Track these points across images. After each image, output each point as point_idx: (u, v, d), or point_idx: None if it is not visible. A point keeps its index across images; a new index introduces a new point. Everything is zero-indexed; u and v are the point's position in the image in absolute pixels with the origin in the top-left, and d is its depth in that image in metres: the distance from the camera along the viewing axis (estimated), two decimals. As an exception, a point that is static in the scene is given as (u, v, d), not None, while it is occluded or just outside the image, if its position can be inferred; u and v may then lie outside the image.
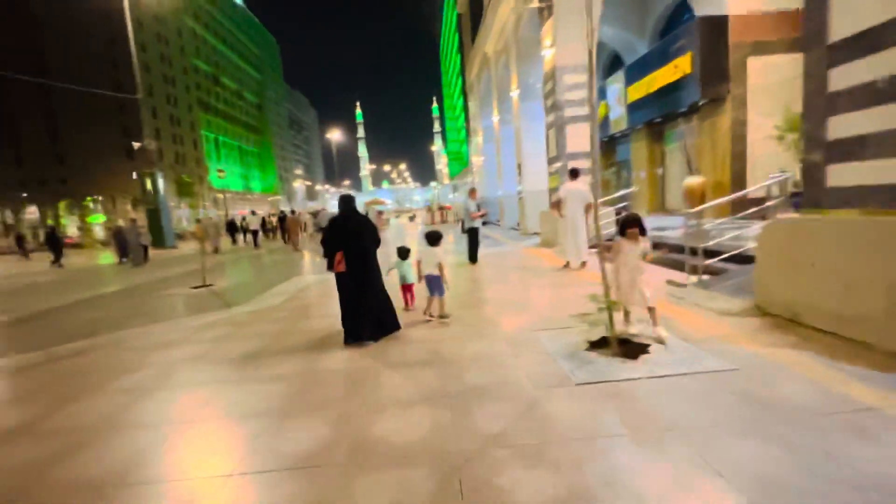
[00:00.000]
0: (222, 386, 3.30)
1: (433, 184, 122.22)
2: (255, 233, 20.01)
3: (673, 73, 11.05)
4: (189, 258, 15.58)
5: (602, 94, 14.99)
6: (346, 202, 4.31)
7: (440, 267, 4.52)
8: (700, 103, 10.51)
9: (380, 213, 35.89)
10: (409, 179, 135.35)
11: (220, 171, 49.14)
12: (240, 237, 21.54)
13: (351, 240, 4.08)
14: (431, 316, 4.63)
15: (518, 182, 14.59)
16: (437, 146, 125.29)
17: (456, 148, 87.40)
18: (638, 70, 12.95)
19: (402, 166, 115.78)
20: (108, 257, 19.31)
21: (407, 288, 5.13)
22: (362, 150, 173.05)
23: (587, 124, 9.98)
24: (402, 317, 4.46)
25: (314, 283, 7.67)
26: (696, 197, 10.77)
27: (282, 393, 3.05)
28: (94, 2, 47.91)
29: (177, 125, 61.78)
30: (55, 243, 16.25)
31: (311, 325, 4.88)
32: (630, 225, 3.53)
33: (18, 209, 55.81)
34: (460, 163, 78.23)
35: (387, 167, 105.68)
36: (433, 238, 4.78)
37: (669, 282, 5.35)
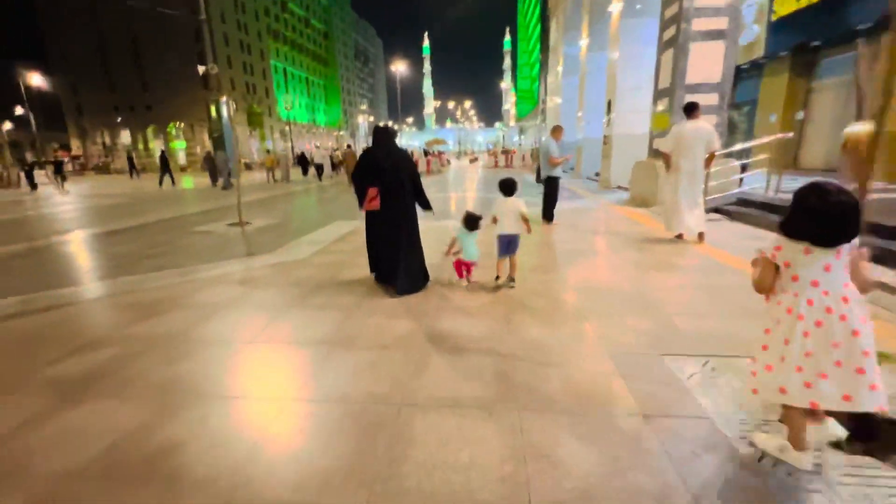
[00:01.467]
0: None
1: (498, 125, 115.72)
2: (319, 166, 20.35)
3: (860, -30, 7.82)
4: (259, 186, 17.15)
5: (732, 9, 11.55)
6: (381, 133, 3.73)
7: (523, 219, 3.64)
8: (899, 15, 7.37)
9: (440, 152, 34.03)
10: (475, 119, 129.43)
11: (287, 102, 49.11)
12: (311, 169, 21.85)
13: (385, 177, 3.53)
14: (499, 279, 3.80)
15: (606, 123, 12.11)
16: (506, 84, 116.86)
17: (527, 86, 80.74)
18: (796, -28, 9.55)
19: (468, 104, 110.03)
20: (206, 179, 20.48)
21: (465, 264, 3.81)
22: (427, 87, 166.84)
23: (721, 43, 7.40)
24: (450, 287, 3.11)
25: (357, 229, 6.51)
26: (861, 152, 7.98)
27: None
28: (167, -83, 46.94)
29: (247, 53, 61.96)
30: (165, 165, 18.94)
31: (336, 290, 3.70)
32: (843, 225, 1.43)
33: (115, 133, 60.59)
34: (530, 102, 72.39)
35: (451, 104, 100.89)
36: (510, 187, 3.74)
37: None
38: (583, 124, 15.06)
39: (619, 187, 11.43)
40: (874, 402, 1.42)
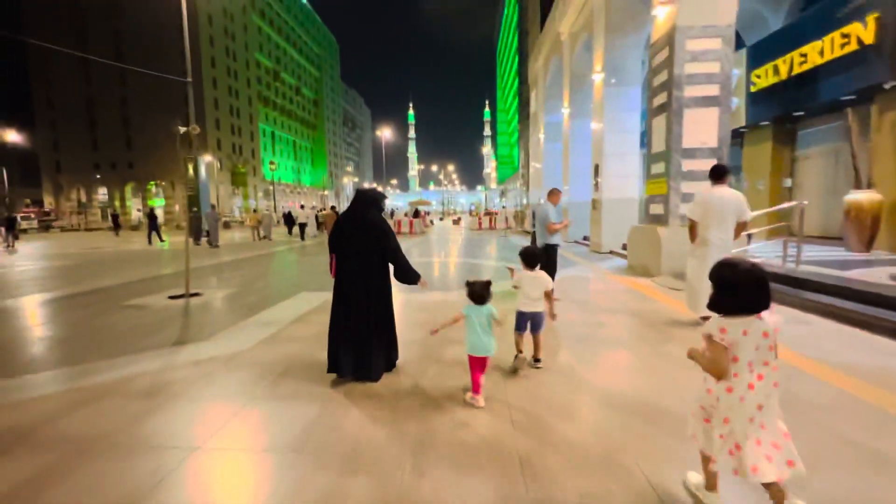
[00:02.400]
0: None
1: (480, 187, 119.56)
2: (302, 226, 20.22)
3: (839, 45, 7.95)
4: (237, 246, 16.91)
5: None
6: (356, 197, 3.32)
7: (547, 296, 3.25)
8: (887, 86, 7.36)
9: (424, 213, 33.97)
10: (457, 182, 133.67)
11: (271, 163, 49.52)
12: (295, 228, 21.74)
13: (350, 243, 3.18)
14: (520, 356, 3.29)
15: (594, 187, 11.82)
16: (486, 149, 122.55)
17: (506, 152, 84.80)
18: (771, 48, 9.84)
19: (451, 168, 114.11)
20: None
21: (478, 363, 2.74)
22: (412, 151, 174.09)
23: (714, 109, 7.17)
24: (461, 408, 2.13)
25: (324, 304, 5.49)
26: (865, 220, 7.61)
27: None
28: (168, -6, 49.99)
29: (236, 116, 63.53)
30: (153, 222, 19.13)
31: (276, 409, 2.62)
32: (758, 290, 1.59)
33: (92, 189, 59.42)
34: (510, 167, 75.54)
35: (434, 168, 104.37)
36: (533, 257, 3.32)
37: None
38: (567, 187, 14.89)
39: (613, 252, 10.85)
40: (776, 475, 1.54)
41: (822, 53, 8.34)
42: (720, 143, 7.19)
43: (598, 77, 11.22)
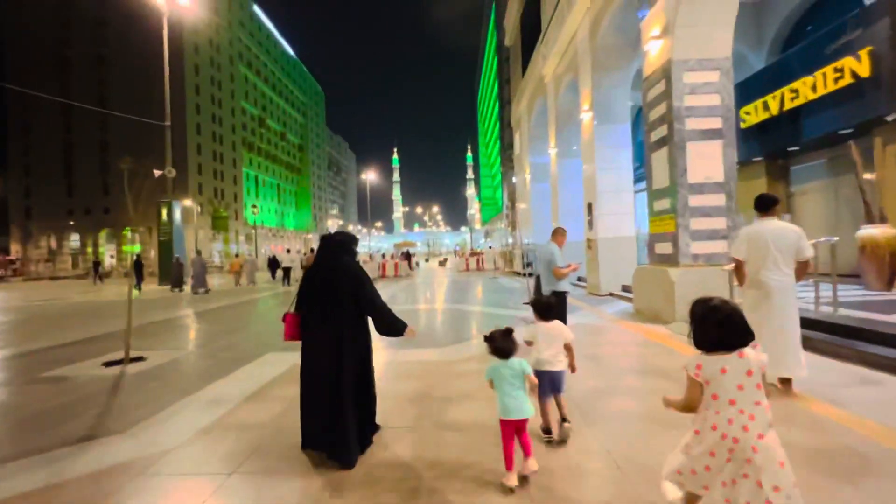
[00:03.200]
0: None
1: (464, 228, 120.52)
2: (286, 270, 19.53)
3: (832, 80, 7.83)
4: (216, 292, 16.01)
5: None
6: (321, 243, 2.88)
7: (568, 349, 2.78)
8: (889, 119, 7.14)
9: (409, 255, 33.20)
10: (442, 223, 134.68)
11: (254, 206, 48.79)
12: (279, 273, 21.12)
13: (318, 297, 2.69)
14: (548, 433, 2.79)
15: (587, 226, 11.31)
16: (470, 191, 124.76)
17: (489, 193, 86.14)
18: (758, 85, 9.81)
19: (435, 209, 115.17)
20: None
21: (514, 427, 2.29)
22: (396, 194, 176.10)
23: (718, 142, 6.78)
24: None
25: (291, 370, 4.53)
26: (883, 255, 7.12)
27: None
28: (153, 45, 50.85)
29: (219, 161, 63.30)
30: (139, 270, 19.30)
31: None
32: (730, 326, 1.60)
33: (64, 236, 57.26)
34: (494, 208, 76.39)
35: (419, 209, 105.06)
36: (548, 308, 2.85)
37: None
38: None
39: (613, 295, 10.16)
40: None
41: (814, 88, 8.22)
42: (727, 178, 6.75)
43: (586, 116, 11.02)
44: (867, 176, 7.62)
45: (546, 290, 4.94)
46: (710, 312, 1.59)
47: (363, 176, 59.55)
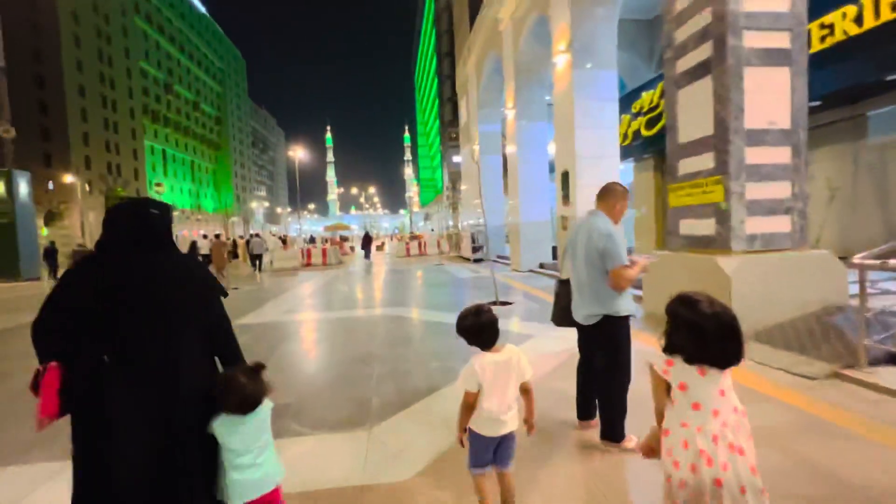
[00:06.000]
0: None
1: (402, 211, 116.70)
2: (205, 257, 15.31)
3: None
4: None
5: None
6: (116, 216, 1.47)
7: (525, 394, 1.78)
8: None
9: (343, 239, 29.64)
10: (379, 206, 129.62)
11: (158, 185, 41.75)
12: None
13: (129, 324, 1.38)
14: None
15: (562, 201, 9.04)
16: (408, 172, 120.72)
17: (428, 175, 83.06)
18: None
19: (372, 191, 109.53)
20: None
21: None
22: (331, 175, 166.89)
23: (784, 70, 4.61)
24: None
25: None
26: None
27: None
28: (12, -20, 40.67)
29: (113, 131, 53.72)
30: (53, 258, 15.49)
31: None
32: (723, 340, 1.26)
33: None
34: (433, 190, 73.65)
35: (355, 191, 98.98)
36: (487, 330, 1.75)
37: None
38: (518, 203, 12.11)
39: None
40: None
41: None
42: (794, 123, 4.63)
43: (561, 59, 8.59)
44: None
45: (586, 312, 2.37)
46: (713, 319, 1.23)
47: (291, 153, 53.60)
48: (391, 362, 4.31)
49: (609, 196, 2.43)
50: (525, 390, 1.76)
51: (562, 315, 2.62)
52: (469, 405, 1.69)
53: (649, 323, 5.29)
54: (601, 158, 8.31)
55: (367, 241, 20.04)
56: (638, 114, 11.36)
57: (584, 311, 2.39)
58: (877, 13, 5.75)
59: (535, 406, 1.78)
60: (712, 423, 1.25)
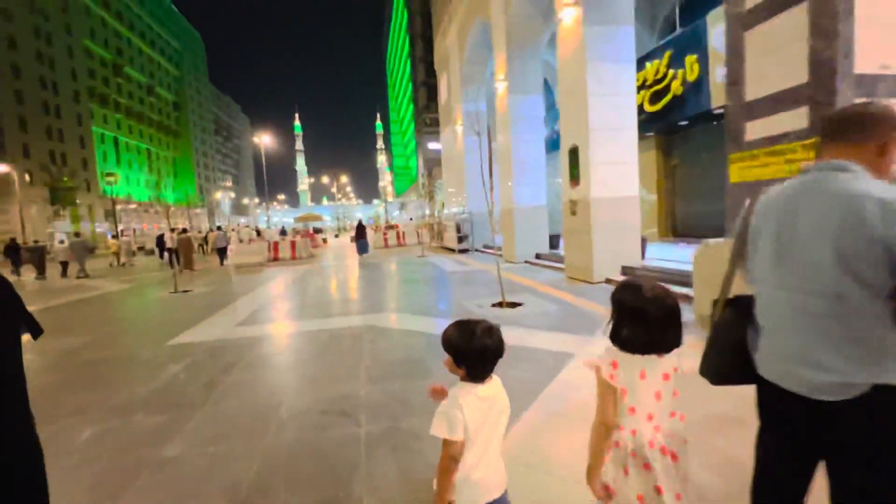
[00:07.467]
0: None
1: (376, 201, 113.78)
2: (172, 251, 14.65)
3: None
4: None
5: (690, 41, 8.89)
6: None
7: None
8: None
9: (316, 230, 27.81)
10: (352, 195, 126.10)
11: (109, 175, 38.30)
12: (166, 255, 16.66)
13: None
14: None
15: (569, 183, 7.82)
16: (381, 162, 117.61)
17: (402, 163, 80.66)
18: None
19: (344, 180, 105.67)
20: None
21: None
22: (300, 164, 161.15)
23: (901, -3, 3.48)
24: None
25: None
26: None
27: None
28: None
29: (55, 116, 49.06)
30: (16, 254, 15.54)
31: None
32: (665, 324, 1.23)
33: None
34: (407, 179, 71.54)
35: (326, 180, 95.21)
36: (491, 354, 1.28)
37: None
38: (512, 185, 10.86)
39: (611, 282, 6.90)
40: None
41: None
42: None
43: (569, 14, 7.29)
44: None
45: (846, 371, 1.12)
46: (654, 302, 1.21)
47: (256, 140, 50.37)
48: (386, 413, 2.94)
49: (871, 125, 1.16)
50: None
51: (728, 361, 1.35)
52: (455, 461, 1.26)
53: (705, 325, 4.15)
54: (619, 130, 7.12)
55: (361, 231, 16.28)
56: (641, 87, 10.29)
57: (821, 373, 1.12)
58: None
59: None
60: (645, 426, 1.23)
